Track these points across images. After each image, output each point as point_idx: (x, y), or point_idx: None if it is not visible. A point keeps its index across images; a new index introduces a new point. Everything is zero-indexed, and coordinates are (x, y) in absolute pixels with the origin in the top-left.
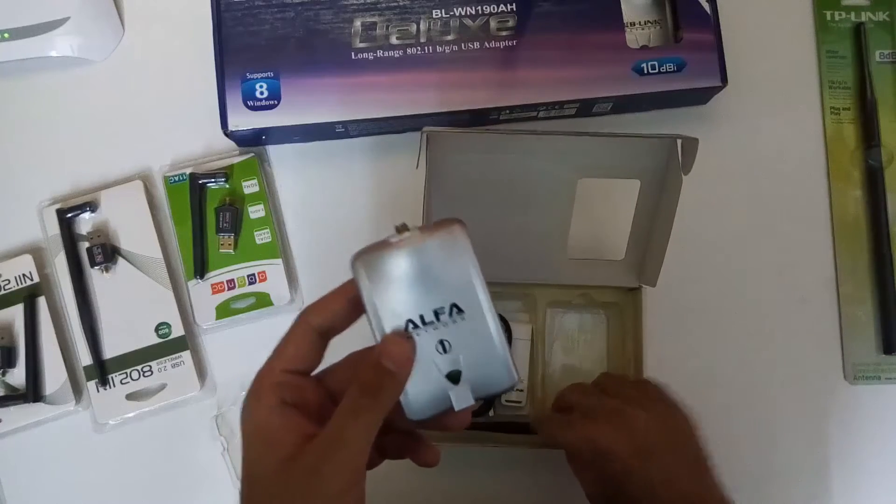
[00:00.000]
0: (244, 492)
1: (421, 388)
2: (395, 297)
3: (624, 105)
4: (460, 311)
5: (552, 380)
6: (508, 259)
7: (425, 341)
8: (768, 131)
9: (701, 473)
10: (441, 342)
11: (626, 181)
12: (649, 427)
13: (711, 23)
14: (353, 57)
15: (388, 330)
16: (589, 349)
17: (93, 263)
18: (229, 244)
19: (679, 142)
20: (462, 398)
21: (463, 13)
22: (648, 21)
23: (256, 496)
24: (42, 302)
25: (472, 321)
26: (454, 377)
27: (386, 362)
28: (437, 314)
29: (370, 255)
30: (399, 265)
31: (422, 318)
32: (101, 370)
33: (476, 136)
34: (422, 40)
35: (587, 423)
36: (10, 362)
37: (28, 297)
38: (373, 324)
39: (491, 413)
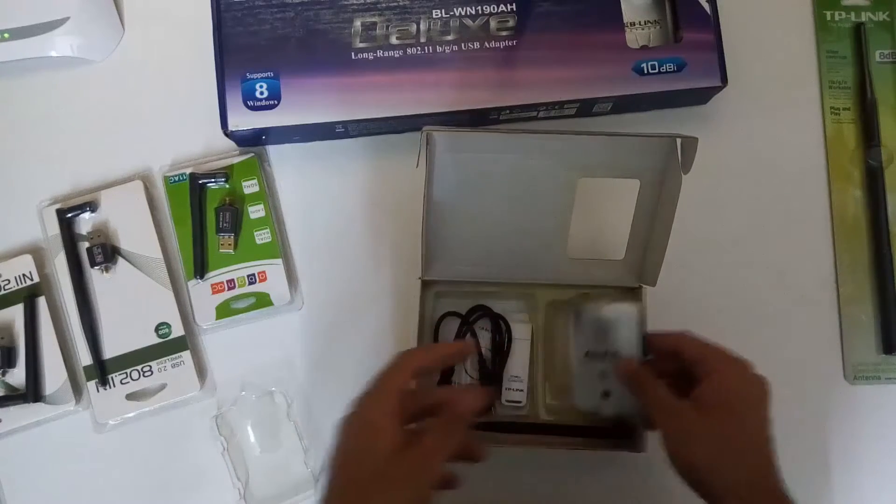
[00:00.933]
0: (348, 465)
1: (587, 394)
2: (587, 335)
3: (624, 105)
4: (621, 356)
5: (553, 380)
6: (508, 258)
7: (595, 367)
8: (768, 131)
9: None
10: (603, 371)
11: (626, 181)
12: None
13: (711, 23)
14: (353, 57)
15: (579, 354)
16: None
17: (93, 263)
18: (229, 244)
19: (678, 141)
20: (607, 409)
21: (463, 13)
22: (648, 21)
23: (364, 471)
24: (42, 302)
25: None
26: (606, 394)
27: (464, 411)
28: (606, 353)
29: (583, 304)
30: (596, 316)
31: (598, 353)
32: (101, 370)
33: (476, 135)
34: (422, 40)
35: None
36: (10, 362)
37: (28, 297)
38: (571, 349)
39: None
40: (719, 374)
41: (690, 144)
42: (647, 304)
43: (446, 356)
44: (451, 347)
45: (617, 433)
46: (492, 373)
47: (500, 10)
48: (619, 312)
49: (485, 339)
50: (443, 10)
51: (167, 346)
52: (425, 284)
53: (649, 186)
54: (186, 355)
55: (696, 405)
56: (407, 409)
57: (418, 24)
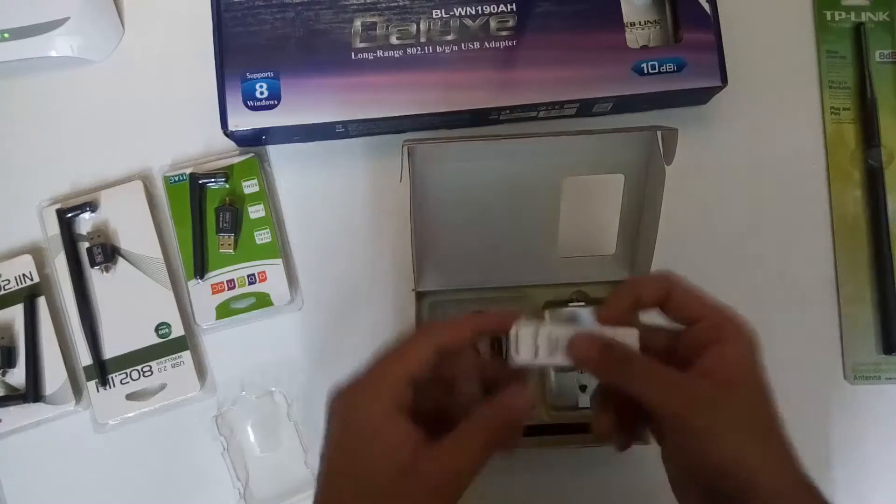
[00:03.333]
0: (344, 483)
1: (564, 390)
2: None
3: (624, 105)
4: None
5: (557, 381)
6: (501, 263)
7: None
8: (768, 131)
9: None
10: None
11: (611, 176)
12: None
13: (711, 23)
14: (353, 57)
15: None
16: None
17: (93, 263)
18: (229, 244)
19: (659, 134)
20: (584, 400)
21: (463, 13)
22: (648, 21)
23: (370, 494)
24: (42, 302)
25: None
26: (583, 389)
27: (515, 414)
28: None
29: (556, 309)
30: (567, 316)
31: None
32: (101, 370)
33: (458, 144)
34: (422, 40)
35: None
36: (10, 362)
37: (28, 297)
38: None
39: None
40: (737, 343)
41: (671, 136)
42: None
43: (482, 329)
44: (491, 318)
45: None
46: None
47: (500, 10)
48: (588, 310)
49: (483, 345)
50: (443, 10)
51: (167, 346)
52: (419, 296)
53: (634, 180)
54: (186, 355)
55: (711, 379)
56: (424, 398)
57: (418, 24)
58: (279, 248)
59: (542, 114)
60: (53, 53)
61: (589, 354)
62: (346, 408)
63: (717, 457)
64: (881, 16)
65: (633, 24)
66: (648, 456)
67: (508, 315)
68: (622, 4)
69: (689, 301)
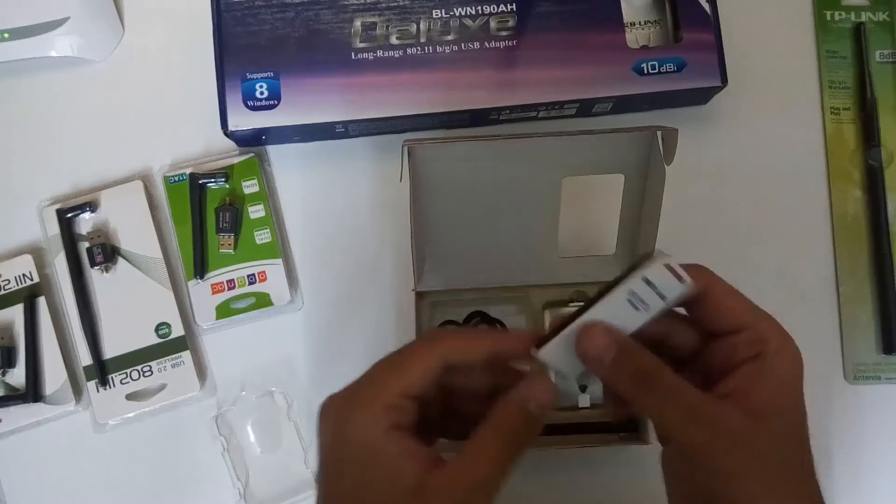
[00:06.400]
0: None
1: (566, 391)
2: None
3: (624, 105)
4: None
5: (556, 380)
6: (500, 262)
7: None
8: (768, 131)
9: None
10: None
11: (611, 176)
12: None
13: (711, 23)
14: (353, 57)
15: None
16: None
17: (93, 263)
18: (229, 244)
19: (659, 134)
20: (583, 400)
21: (463, 13)
22: (648, 21)
23: None
24: (42, 302)
25: None
26: (583, 389)
27: (535, 409)
28: None
29: (556, 309)
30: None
31: None
32: (101, 370)
33: (458, 144)
34: (422, 40)
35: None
36: (10, 362)
37: (28, 297)
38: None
39: None
40: (783, 362)
41: (671, 136)
42: None
43: (499, 350)
44: (511, 339)
45: (621, 427)
46: None
47: (500, 10)
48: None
49: None
50: (443, 10)
51: (167, 346)
52: (419, 295)
53: (634, 180)
54: (186, 355)
55: (742, 406)
56: (430, 407)
57: (418, 24)
58: (279, 248)
59: (542, 114)
60: (53, 53)
61: (601, 354)
62: (339, 425)
63: (732, 499)
64: (881, 16)
65: (633, 24)
66: (648, 456)
67: (527, 339)
68: (622, 4)
69: (729, 304)
